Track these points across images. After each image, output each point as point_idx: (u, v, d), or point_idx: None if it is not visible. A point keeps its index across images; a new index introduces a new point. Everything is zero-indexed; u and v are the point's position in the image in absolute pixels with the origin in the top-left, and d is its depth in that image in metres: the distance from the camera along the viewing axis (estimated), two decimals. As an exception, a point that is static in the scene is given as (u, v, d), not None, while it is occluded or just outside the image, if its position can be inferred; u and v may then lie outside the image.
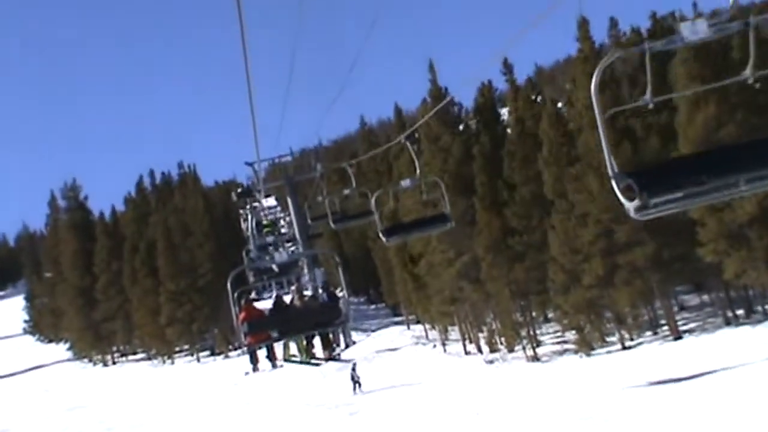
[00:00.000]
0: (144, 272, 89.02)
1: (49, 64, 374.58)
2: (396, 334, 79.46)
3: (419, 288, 66.11)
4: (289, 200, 66.92)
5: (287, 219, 53.63)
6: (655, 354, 46.15)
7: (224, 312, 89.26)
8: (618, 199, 5.77)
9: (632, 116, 48.81)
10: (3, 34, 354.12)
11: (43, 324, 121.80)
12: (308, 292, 22.91)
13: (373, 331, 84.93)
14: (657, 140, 47.70)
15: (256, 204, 45.03)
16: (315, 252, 42.99)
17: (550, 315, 61.57)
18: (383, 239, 16.88)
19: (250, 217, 39.77)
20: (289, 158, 63.31)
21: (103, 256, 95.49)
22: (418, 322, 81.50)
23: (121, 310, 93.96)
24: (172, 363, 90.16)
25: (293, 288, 23.99)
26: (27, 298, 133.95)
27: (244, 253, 33.66)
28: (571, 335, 55.61)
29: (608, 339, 52.18)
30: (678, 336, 48.41)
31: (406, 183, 17.34)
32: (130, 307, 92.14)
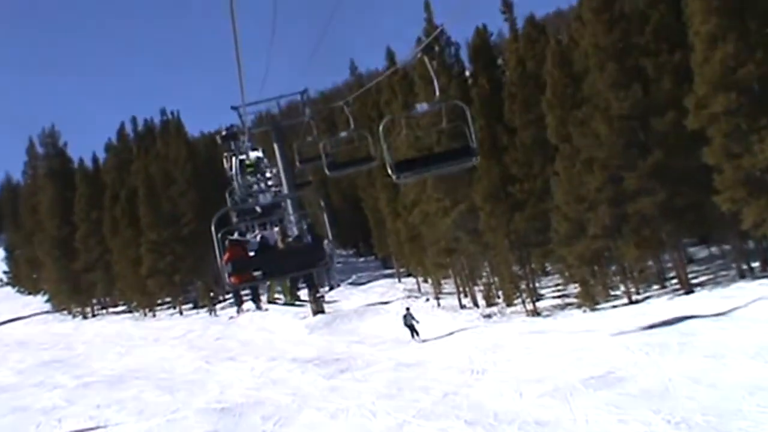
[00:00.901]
0: (125, 222, 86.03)
1: (28, 8, 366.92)
2: (387, 287, 76.54)
3: (412, 239, 63.20)
4: (275, 147, 64.25)
5: (273, 171, 51.19)
6: (665, 308, 43.22)
7: (208, 263, 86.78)
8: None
9: (643, 55, 45.70)
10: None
11: (21, 275, 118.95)
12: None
13: (363, 283, 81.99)
14: (670, 80, 44.57)
15: (241, 145, 42.32)
16: (299, 194, 40.71)
17: (550, 268, 58.88)
18: (393, 176, 15.79)
19: (234, 159, 37.38)
20: (274, 104, 61.26)
21: (83, 205, 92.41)
22: (408, 276, 78.92)
23: (101, 261, 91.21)
24: (154, 316, 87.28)
25: (277, 229, 23.74)
26: (6, 249, 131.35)
27: (227, 194, 32.61)
28: (573, 289, 52.91)
29: (613, 293, 49.30)
30: (689, 290, 45.49)
31: (423, 107, 16.43)
32: (111, 258, 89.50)
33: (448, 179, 55.46)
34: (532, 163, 51.70)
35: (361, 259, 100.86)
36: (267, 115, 72.94)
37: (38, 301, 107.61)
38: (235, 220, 28.71)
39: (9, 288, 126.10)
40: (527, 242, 52.68)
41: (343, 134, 31.16)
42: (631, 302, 47.23)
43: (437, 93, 17.53)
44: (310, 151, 38.31)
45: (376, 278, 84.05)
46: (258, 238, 23.22)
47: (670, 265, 50.14)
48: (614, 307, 47.68)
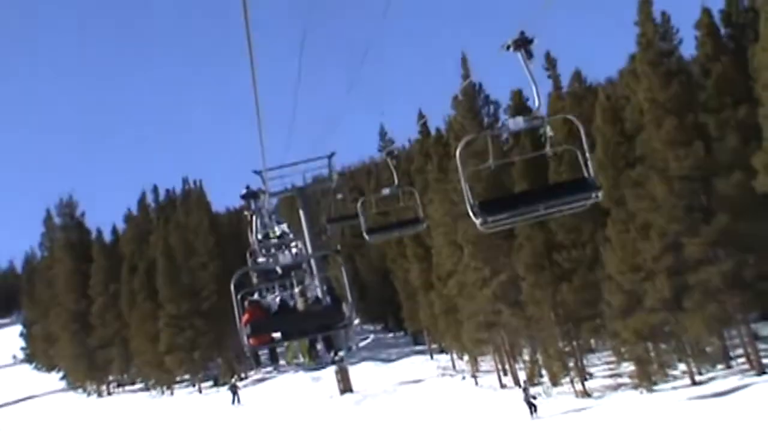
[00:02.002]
0: (143, 295, 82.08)
1: (52, 74, 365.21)
2: (418, 365, 72.00)
3: (448, 312, 58.68)
4: (301, 213, 60.63)
5: (299, 244, 47.54)
6: (737, 391, 38.65)
7: (229, 339, 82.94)
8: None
9: (704, 111, 41.68)
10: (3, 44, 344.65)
11: (38, 352, 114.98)
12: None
13: (392, 360, 77.40)
14: (735, 138, 40.50)
15: (262, 206, 38.80)
16: (319, 253, 40.82)
17: (598, 344, 54.30)
18: (477, 221, 12.26)
19: (255, 218, 33.80)
20: (299, 176, 58.01)
21: (100, 278, 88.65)
22: (441, 352, 74.38)
23: (118, 337, 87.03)
24: (172, 394, 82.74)
25: (297, 290, 22.93)
26: (24, 325, 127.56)
27: (247, 254, 30.08)
28: (625, 368, 48.35)
29: (671, 372, 44.69)
30: (762, 370, 40.84)
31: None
32: (128, 333, 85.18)
33: (488, 248, 51.46)
34: (580, 229, 47.57)
35: (390, 335, 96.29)
36: (293, 189, 69.22)
37: (54, 379, 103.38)
38: (255, 281, 27.00)
39: (26, 365, 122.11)
40: (575, 316, 48.18)
41: (386, 191, 26.61)
42: (694, 383, 42.56)
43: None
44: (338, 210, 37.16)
45: (407, 355, 79.62)
46: (278, 299, 22.30)
47: (734, 341, 45.44)
48: (674, 388, 43.08)
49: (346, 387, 62.71)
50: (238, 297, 14.36)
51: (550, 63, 53.51)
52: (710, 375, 43.58)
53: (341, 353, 24.72)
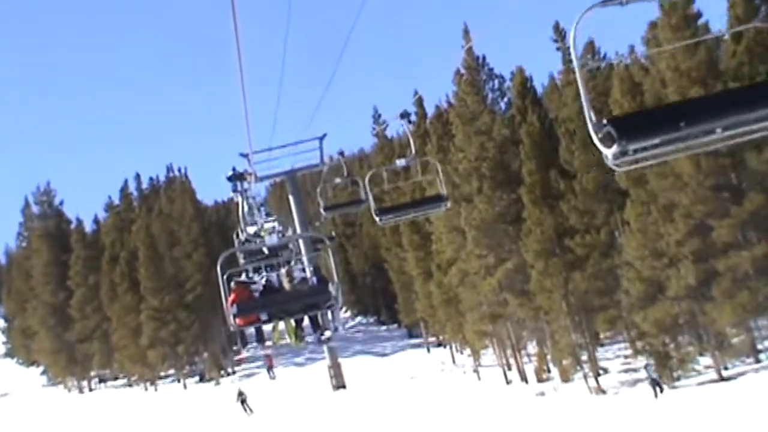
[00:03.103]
0: (124, 287, 77.94)
1: (27, 56, 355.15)
2: (415, 359, 68.12)
3: (448, 303, 54.86)
4: (291, 199, 57.18)
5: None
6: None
7: (215, 332, 79.23)
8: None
9: (734, 79, 37.86)
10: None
11: (17, 346, 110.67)
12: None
13: (387, 355, 73.57)
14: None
15: (249, 187, 36.18)
16: (306, 234, 37.92)
17: (606, 335, 50.50)
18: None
19: (241, 199, 31.54)
20: (285, 149, 54.98)
21: (79, 269, 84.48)
22: (439, 345, 70.64)
23: (99, 330, 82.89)
24: (156, 390, 78.70)
25: (283, 271, 20.89)
26: (5, 319, 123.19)
27: (234, 235, 29.04)
28: (640, 361, 44.70)
29: (695, 367, 40.88)
30: (795, 365, 37.23)
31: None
32: (109, 326, 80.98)
33: (492, 233, 47.77)
34: (594, 212, 44.01)
35: (383, 328, 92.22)
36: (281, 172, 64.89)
37: (35, 374, 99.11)
38: (242, 261, 25.44)
39: (9, 359, 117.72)
40: (589, 306, 44.44)
41: (402, 161, 24.35)
42: (722, 378, 38.75)
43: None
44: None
45: (402, 349, 75.82)
46: (263, 280, 20.90)
47: (760, 333, 41.71)
48: (700, 384, 39.28)
49: (339, 383, 58.58)
50: (225, 277, 14.18)
51: (559, 34, 49.64)
52: (738, 370, 39.73)
53: (328, 333, 22.14)
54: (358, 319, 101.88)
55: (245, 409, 63.11)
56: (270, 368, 64.56)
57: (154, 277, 75.83)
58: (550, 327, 47.40)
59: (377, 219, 18.01)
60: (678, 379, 40.17)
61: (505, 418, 42.04)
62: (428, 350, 71.66)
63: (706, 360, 40.81)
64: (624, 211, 41.44)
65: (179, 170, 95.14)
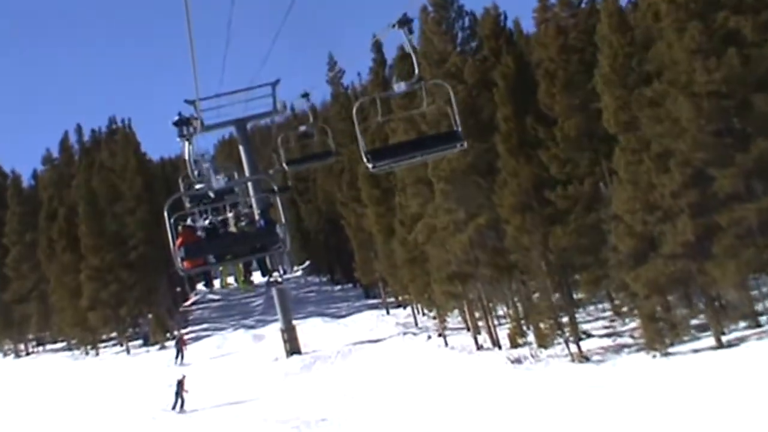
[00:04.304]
0: (62, 244, 73.01)
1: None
2: (373, 321, 64.02)
3: (413, 262, 50.70)
4: (241, 149, 54.37)
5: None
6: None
7: (160, 293, 74.86)
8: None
9: (737, 12, 33.98)
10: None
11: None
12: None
13: (343, 316, 69.55)
14: (777, 44, 33.01)
15: (194, 132, 32.96)
16: (252, 178, 40.39)
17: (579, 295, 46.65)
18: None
19: (187, 145, 28.64)
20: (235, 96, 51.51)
21: (14, 226, 79.43)
22: (398, 306, 66.78)
23: (36, 291, 78.19)
24: (97, 354, 73.98)
25: (230, 214, 24.23)
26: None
27: (180, 180, 30.79)
28: (623, 325, 41.20)
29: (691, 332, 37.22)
30: (804, 331, 33.64)
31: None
32: (47, 287, 76.35)
33: (462, 185, 43.71)
34: (577, 161, 40.24)
35: (338, 288, 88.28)
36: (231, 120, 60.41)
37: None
38: (188, 206, 25.03)
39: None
40: (571, 264, 40.73)
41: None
42: (721, 345, 35.04)
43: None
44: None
45: (359, 310, 71.71)
46: (207, 222, 21.76)
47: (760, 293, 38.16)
48: (695, 351, 35.58)
49: (293, 347, 54.76)
50: (171, 221, 14.44)
51: (533, -33, 45.32)
52: (738, 335, 36.05)
53: (276, 275, 24.65)
54: (311, 278, 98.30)
55: (178, 357, 59.27)
56: (180, 352, 60.19)
57: (95, 235, 70.99)
58: (526, 288, 43.64)
59: (370, 166, 14.31)
60: (671, 344, 36.38)
61: (478, 386, 38.25)
62: (387, 311, 67.71)
63: (696, 323, 37.28)
64: (611, 160, 37.62)
65: (122, 122, 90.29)
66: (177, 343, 61.41)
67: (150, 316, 74.20)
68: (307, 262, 60.88)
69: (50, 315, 78.04)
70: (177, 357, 59.94)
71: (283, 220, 15.56)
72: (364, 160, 14.01)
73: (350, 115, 51.25)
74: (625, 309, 40.29)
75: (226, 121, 52.50)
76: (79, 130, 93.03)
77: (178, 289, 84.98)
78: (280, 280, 30.12)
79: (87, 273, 70.97)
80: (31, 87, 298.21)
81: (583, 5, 44.27)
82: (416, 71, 14.39)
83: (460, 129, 14.30)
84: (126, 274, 71.11)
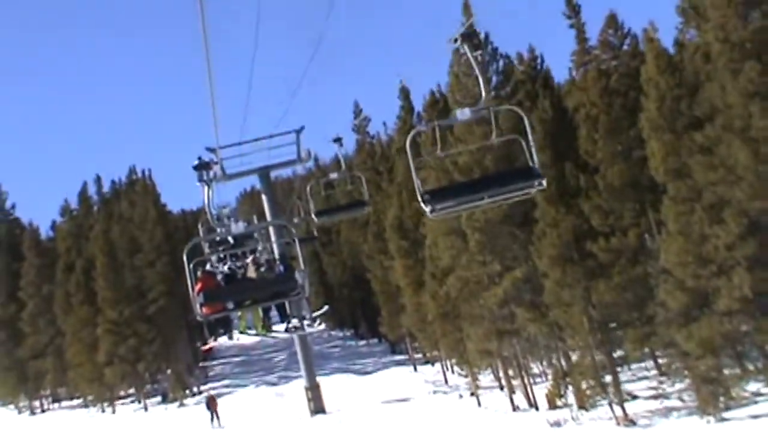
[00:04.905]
0: (80, 298, 71.36)
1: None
2: (402, 378, 61.65)
3: (444, 316, 48.41)
4: (264, 198, 52.51)
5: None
6: None
7: (179, 348, 72.77)
8: None
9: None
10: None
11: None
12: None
13: (369, 373, 67.18)
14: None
15: (214, 177, 31.67)
16: (271, 223, 38.50)
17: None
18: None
19: (206, 189, 27.77)
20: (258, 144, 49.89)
21: (31, 278, 77.57)
22: (427, 363, 64.36)
23: (52, 346, 75.90)
24: (114, 411, 71.84)
25: (249, 260, 22.18)
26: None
27: (199, 225, 31.24)
28: (672, 385, 38.51)
29: (744, 394, 34.53)
30: None
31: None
32: (63, 341, 74.24)
33: (498, 236, 41.55)
34: (621, 212, 37.98)
35: (362, 342, 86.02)
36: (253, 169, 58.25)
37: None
38: (207, 251, 25.57)
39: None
40: (614, 321, 38.37)
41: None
42: (781, 409, 32.47)
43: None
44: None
45: (386, 366, 69.49)
46: (226, 267, 22.65)
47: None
48: (754, 417, 32.99)
49: (318, 406, 52.06)
50: (191, 266, 14.39)
51: (572, 9, 43.15)
52: (798, 397, 33.49)
53: (294, 321, 24.95)
54: (334, 333, 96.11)
55: (213, 420, 56.70)
56: (214, 413, 57.31)
57: (113, 288, 69.19)
58: (565, 345, 41.22)
59: (428, 209, 13.43)
60: (727, 409, 33.79)
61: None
62: (415, 368, 65.29)
63: (754, 386, 34.71)
64: (658, 210, 35.34)
65: (143, 172, 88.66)
66: (208, 405, 58.56)
67: (169, 371, 72.47)
68: (326, 307, 58.65)
69: (66, 370, 75.60)
70: (212, 420, 57.07)
71: (303, 265, 15.35)
72: (421, 202, 12.12)
73: (376, 165, 49.21)
74: (674, 369, 37.56)
75: (249, 169, 50.53)
76: (98, 180, 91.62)
77: (199, 344, 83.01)
78: (299, 325, 29.98)
79: (104, 327, 69.11)
80: (51, 137, 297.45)
81: (625, 47, 41.96)
82: (482, 94, 12.99)
83: (537, 164, 12.45)
84: (144, 328, 69.34)
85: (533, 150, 12.15)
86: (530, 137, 12.62)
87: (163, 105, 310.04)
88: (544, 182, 12.06)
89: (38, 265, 78.11)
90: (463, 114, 12.37)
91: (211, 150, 40.05)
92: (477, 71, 13.57)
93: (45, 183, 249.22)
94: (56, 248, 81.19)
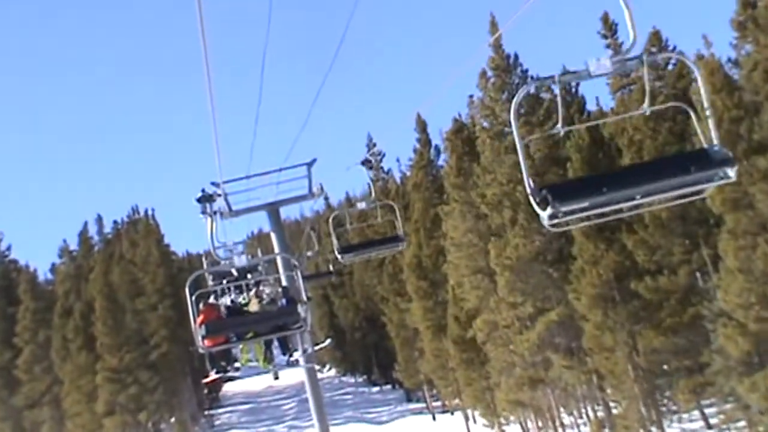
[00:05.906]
0: (78, 343, 68.63)
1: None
2: (421, 428, 58.23)
3: (469, 363, 45.03)
4: (272, 235, 49.23)
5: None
6: None
7: (183, 396, 69.42)
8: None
9: None
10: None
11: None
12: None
13: (384, 422, 63.67)
14: None
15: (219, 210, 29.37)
16: (275, 255, 33.27)
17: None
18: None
19: (210, 221, 25.50)
20: (266, 178, 47.41)
21: (27, 323, 74.23)
22: (445, 412, 60.85)
23: (49, 394, 72.72)
24: (114, 465, 68.58)
25: (252, 293, 22.02)
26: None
27: (203, 257, 31.82)
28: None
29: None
30: None
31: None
32: (61, 390, 71.17)
33: (531, 274, 38.26)
34: (669, 247, 34.85)
35: (376, 389, 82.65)
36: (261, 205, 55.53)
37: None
38: (210, 283, 25.45)
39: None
40: (663, 369, 34.96)
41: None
42: None
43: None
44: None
45: (402, 415, 66.45)
46: (228, 300, 23.00)
47: None
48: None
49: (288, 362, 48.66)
50: (193, 298, 14.24)
51: (609, 28, 40.04)
52: None
53: (297, 354, 21.95)
54: (345, 379, 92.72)
55: None
56: None
57: (113, 333, 66.91)
58: (609, 395, 37.77)
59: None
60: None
61: None
62: (434, 417, 61.92)
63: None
64: (712, 245, 32.26)
65: (146, 212, 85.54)
66: None
67: (173, 420, 70.12)
68: (328, 340, 55.72)
69: (64, 420, 72.70)
70: None
71: (305, 298, 15.06)
72: (535, 204, 7.77)
73: (391, 200, 45.59)
74: (737, 424, 34.02)
75: (257, 206, 47.40)
76: (99, 220, 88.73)
77: (205, 391, 79.80)
78: (298, 361, 27.22)
79: (104, 375, 66.94)
80: (51, 177, 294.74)
81: (670, 66, 38.70)
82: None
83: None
84: (146, 375, 67.03)
85: (711, 123, 7.56)
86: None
87: (169, 144, 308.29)
88: (733, 172, 7.33)
89: (34, 309, 75.07)
90: (600, 67, 7.61)
91: (216, 185, 37.57)
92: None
93: (44, 224, 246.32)
94: (54, 291, 78.59)
